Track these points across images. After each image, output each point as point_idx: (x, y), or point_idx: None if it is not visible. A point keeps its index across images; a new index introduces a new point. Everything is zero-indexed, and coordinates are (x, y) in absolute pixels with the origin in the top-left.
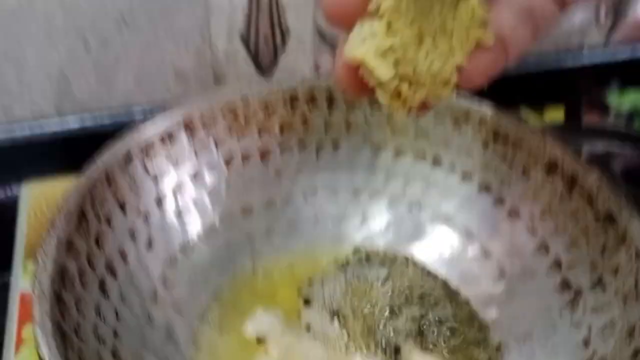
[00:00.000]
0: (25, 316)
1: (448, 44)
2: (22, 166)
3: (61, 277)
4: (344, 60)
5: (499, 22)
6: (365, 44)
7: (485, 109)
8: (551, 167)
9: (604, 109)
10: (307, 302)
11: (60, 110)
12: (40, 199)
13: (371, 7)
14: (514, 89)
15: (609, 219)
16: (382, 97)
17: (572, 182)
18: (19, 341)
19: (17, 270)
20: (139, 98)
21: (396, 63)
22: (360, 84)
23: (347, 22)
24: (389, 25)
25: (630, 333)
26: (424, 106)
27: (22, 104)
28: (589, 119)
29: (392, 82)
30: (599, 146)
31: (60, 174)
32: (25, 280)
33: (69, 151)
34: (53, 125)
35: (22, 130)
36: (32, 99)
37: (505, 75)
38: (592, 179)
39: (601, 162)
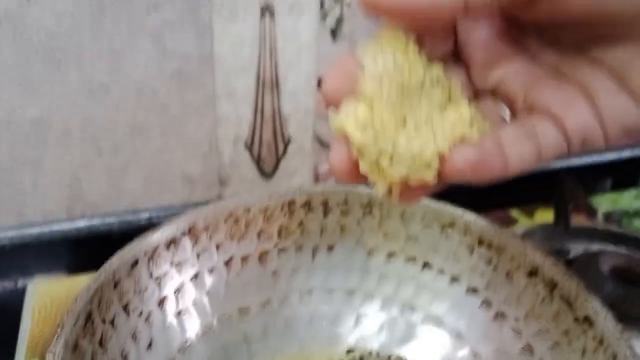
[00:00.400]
0: None
1: (431, 131)
2: (30, 264)
3: None
4: (336, 141)
5: (500, 132)
6: (348, 116)
7: (470, 216)
8: (532, 272)
9: (590, 211)
10: None
11: (70, 212)
12: (45, 296)
13: (357, 88)
14: (504, 190)
15: (588, 321)
16: (362, 165)
17: (552, 286)
18: None
19: None
20: (146, 200)
21: (375, 136)
22: (353, 169)
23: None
24: (371, 105)
25: None
26: (409, 191)
27: (35, 207)
28: (578, 220)
29: (371, 153)
30: (586, 246)
31: (67, 272)
32: None
33: (77, 251)
34: (63, 225)
35: (33, 230)
36: (45, 202)
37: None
38: (570, 283)
39: (589, 261)
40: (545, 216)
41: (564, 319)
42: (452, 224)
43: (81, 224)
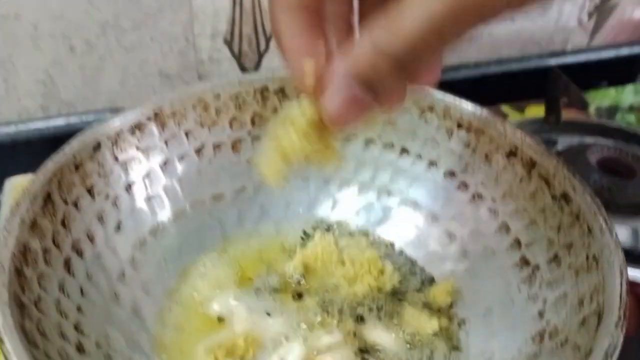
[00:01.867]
0: None
1: None
2: (7, 163)
3: (23, 253)
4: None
5: None
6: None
7: (449, 99)
8: (512, 152)
9: (583, 105)
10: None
11: (46, 112)
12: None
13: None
14: (495, 87)
15: (565, 197)
16: None
17: (531, 165)
18: None
19: None
20: (124, 98)
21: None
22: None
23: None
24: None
25: (581, 303)
26: None
27: (9, 106)
28: (569, 114)
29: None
30: (576, 139)
31: None
32: None
33: (55, 150)
34: (39, 124)
35: (9, 129)
36: (19, 101)
37: (487, 75)
38: (549, 161)
39: (577, 153)
40: (536, 112)
41: (541, 197)
42: (431, 108)
43: (58, 122)
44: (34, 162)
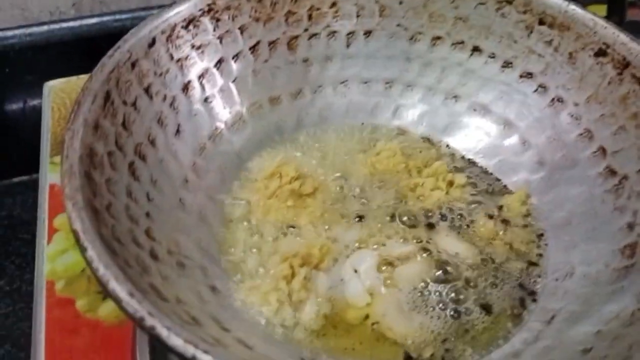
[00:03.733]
0: (56, 207)
1: None
2: (41, 65)
3: (90, 157)
4: None
5: None
6: None
7: None
8: (601, 51)
9: None
10: None
11: (79, 10)
12: (62, 94)
13: None
14: None
15: None
16: None
17: (623, 66)
18: (51, 231)
19: (45, 165)
20: None
21: None
22: None
23: None
24: None
25: None
26: None
27: (40, 5)
28: (634, 14)
29: None
30: None
31: (79, 74)
32: (53, 174)
33: (89, 51)
34: (72, 24)
35: (41, 29)
36: (51, 1)
37: None
38: None
39: None
40: (597, 12)
41: (633, 101)
42: (510, 0)
43: (91, 21)
44: (68, 64)
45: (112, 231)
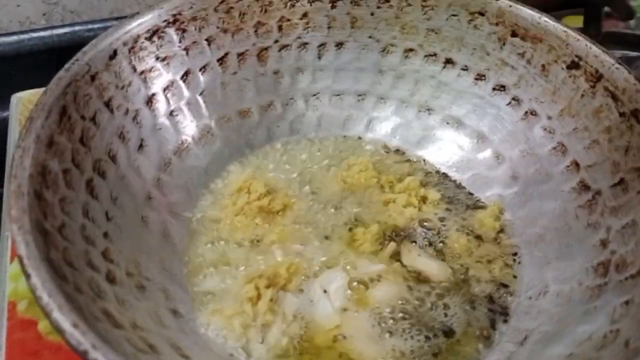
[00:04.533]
0: None
1: None
2: (11, 75)
3: (42, 175)
4: None
5: None
6: None
7: (504, 2)
8: (574, 63)
9: (629, 14)
10: None
11: (49, 20)
12: (30, 106)
13: None
14: None
15: (636, 115)
16: None
17: (596, 79)
18: (15, 249)
19: (9, 179)
20: (132, 6)
21: None
22: None
23: None
24: None
25: None
26: None
27: (10, 15)
28: (610, 25)
29: None
30: (618, 53)
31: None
32: None
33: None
34: (42, 34)
35: (11, 39)
36: (20, 9)
37: None
38: (618, 73)
39: None
40: (574, 23)
41: (606, 114)
42: (482, 12)
43: (62, 31)
44: (39, 75)
45: (64, 254)
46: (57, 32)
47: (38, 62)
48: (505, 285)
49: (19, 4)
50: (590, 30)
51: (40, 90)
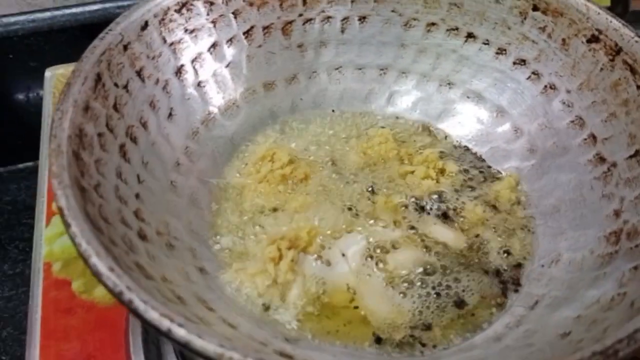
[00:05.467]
0: None
1: None
2: (45, 51)
3: (79, 137)
4: None
5: None
6: None
7: None
8: (594, 37)
9: None
10: None
11: None
12: (64, 82)
13: None
14: None
15: None
16: None
17: (615, 52)
18: (50, 213)
19: (45, 149)
20: None
21: None
22: None
23: None
24: None
25: None
26: None
27: None
28: (638, 4)
29: None
30: None
31: None
32: None
33: (92, 38)
34: (75, 10)
35: (44, 15)
36: None
37: None
38: (638, 47)
39: None
40: (601, 1)
41: (624, 87)
42: None
43: (93, 7)
44: (71, 51)
45: (100, 210)
46: (89, 8)
47: (70, 38)
48: (520, 254)
49: None
50: (618, 8)
51: (73, 64)
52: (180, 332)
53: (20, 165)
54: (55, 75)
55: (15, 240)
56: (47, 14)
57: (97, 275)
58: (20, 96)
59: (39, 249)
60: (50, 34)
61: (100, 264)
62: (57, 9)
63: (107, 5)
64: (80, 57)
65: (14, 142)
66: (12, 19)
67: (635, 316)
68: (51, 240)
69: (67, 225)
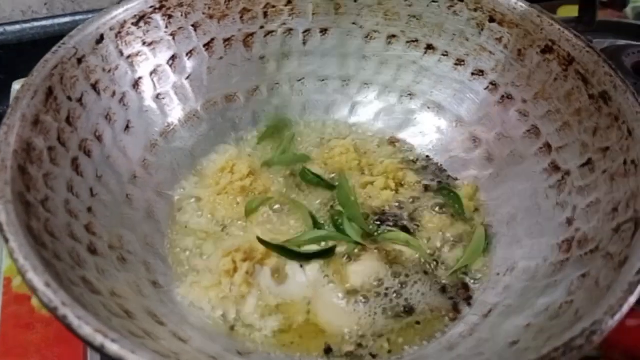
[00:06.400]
0: None
1: None
2: (14, 63)
3: (26, 151)
4: None
5: None
6: None
7: None
8: (548, 48)
9: (622, 3)
10: None
11: (51, 9)
12: None
13: None
14: None
15: (604, 97)
16: None
17: (568, 62)
18: None
19: None
20: None
21: None
22: None
23: None
24: None
25: (615, 210)
26: None
27: (12, 4)
28: (604, 15)
29: None
30: (611, 41)
31: None
32: None
33: None
34: (44, 23)
35: (14, 28)
36: (23, 0)
37: None
38: (589, 57)
39: (611, 55)
40: (569, 12)
41: (577, 97)
42: None
43: (63, 20)
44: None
45: (45, 225)
46: (59, 21)
47: (40, 51)
48: (475, 263)
49: None
50: (585, 19)
51: None
52: (113, 348)
53: None
54: None
55: None
56: (17, 27)
57: (33, 290)
58: None
59: None
60: (19, 46)
61: (37, 279)
62: (27, 21)
63: (77, 17)
64: None
65: None
66: None
67: (576, 323)
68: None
69: (5, 240)
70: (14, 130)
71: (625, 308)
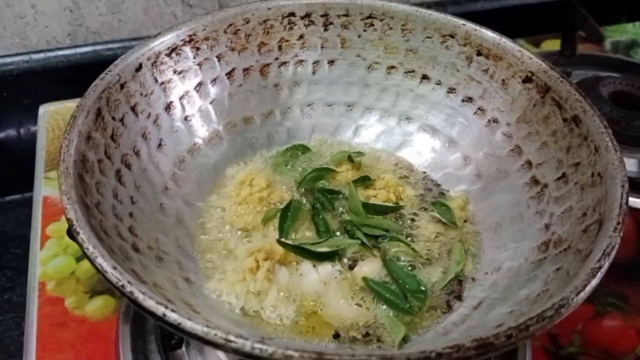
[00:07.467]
0: (48, 217)
1: None
2: (38, 89)
3: (82, 162)
4: None
5: None
6: None
7: (470, 26)
8: (527, 78)
9: (599, 38)
10: None
11: (73, 40)
12: (56, 116)
13: None
14: (512, 20)
15: (575, 120)
16: None
17: (545, 90)
18: (44, 238)
19: (39, 179)
20: (148, 27)
21: None
22: None
23: None
24: None
25: (584, 214)
26: None
27: (38, 34)
28: (588, 49)
29: None
30: (590, 72)
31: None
32: (46, 187)
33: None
34: (67, 52)
35: (38, 56)
36: (47, 29)
37: (505, 7)
38: (562, 86)
39: (590, 85)
40: (552, 46)
41: (553, 120)
42: (453, 35)
43: (85, 50)
44: (63, 89)
45: (100, 224)
46: (81, 50)
47: (63, 78)
48: (467, 265)
49: (47, 25)
50: (566, 51)
51: (65, 102)
52: (173, 316)
53: (8, 198)
54: (47, 111)
55: (3, 269)
56: (41, 55)
57: (102, 273)
58: (12, 132)
59: (33, 269)
60: (44, 73)
61: (105, 263)
62: (51, 50)
63: (98, 47)
64: (74, 95)
65: (2, 174)
66: (8, 60)
67: (551, 307)
68: (45, 262)
69: (76, 233)
70: (73, 144)
71: (589, 288)
